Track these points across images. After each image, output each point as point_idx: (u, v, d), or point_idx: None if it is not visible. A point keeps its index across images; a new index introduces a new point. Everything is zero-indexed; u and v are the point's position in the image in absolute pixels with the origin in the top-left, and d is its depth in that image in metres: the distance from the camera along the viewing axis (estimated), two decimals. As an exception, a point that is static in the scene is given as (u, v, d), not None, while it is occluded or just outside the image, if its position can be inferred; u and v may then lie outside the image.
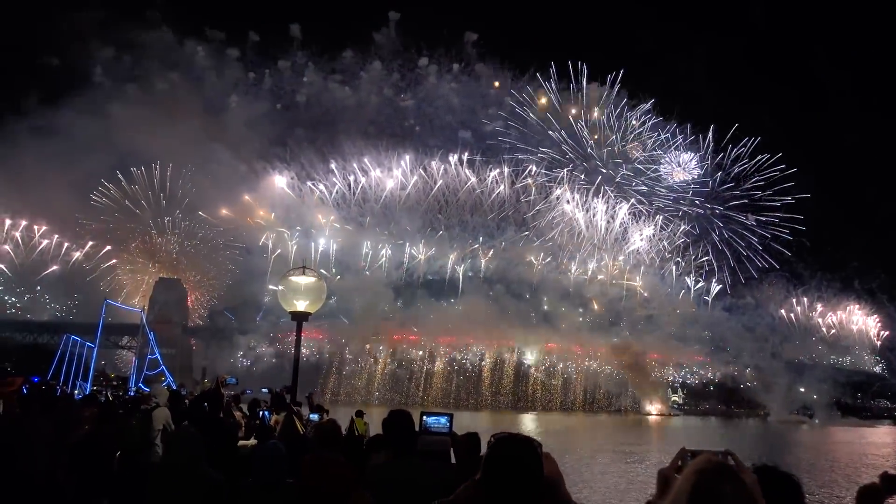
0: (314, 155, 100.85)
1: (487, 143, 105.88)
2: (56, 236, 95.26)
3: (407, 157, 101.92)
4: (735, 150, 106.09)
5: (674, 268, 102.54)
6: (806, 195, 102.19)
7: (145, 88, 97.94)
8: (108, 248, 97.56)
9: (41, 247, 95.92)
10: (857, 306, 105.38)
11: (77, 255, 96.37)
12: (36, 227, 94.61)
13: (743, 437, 59.78)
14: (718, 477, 2.23)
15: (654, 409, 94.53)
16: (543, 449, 3.02)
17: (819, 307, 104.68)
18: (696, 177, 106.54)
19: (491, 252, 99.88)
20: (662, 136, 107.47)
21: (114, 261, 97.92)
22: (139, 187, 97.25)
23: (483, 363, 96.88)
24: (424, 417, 5.35)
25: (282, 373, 73.73)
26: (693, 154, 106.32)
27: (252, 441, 9.40)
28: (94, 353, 63.20)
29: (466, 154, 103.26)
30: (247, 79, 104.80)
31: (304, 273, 12.36)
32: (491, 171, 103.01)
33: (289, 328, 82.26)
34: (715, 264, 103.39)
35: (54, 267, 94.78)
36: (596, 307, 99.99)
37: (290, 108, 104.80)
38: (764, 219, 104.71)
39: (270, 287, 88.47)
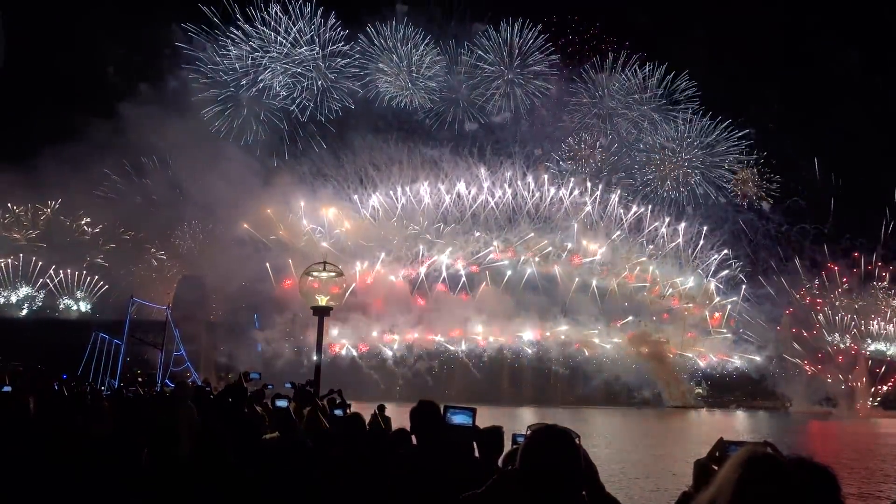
0: (325, 150, 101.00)
1: (498, 135, 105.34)
2: (76, 234, 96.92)
3: (418, 152, 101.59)
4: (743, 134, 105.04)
5: (690, 257, 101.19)
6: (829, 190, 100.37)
7: (157, 87, 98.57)
8: (130, 245, 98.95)
9: (64, 244, 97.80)
10: (880, 293, 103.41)
11: (99, 252, 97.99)
12: (56, 219, 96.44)
13: (778, 430, 59.07)
14: (765, 468, 2.22)
15: (677, 401, 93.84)
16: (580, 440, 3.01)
17: (840, 294, 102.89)
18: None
19: (505, 245, 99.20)
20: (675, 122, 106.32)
21: (136, 258, 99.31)
22: (154, 185, 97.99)
23: (501, 357, 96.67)
24: (448, 412, 5.34)
25: (300, 368, 74.25)
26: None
27: (275, 434, 9.48)
28: (122, 350, 64.33)
29: (476, 147, 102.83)
30: (257, 74, 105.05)
31: (324, 269, 12.46)
32: (502, 163, 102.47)
33: (304, 324, 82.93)
34: (731, 254, 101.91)
35: (88, 260, 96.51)
36: (613, 299, 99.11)
37: (300, 103, 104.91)
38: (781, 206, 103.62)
39: (283, 282, 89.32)
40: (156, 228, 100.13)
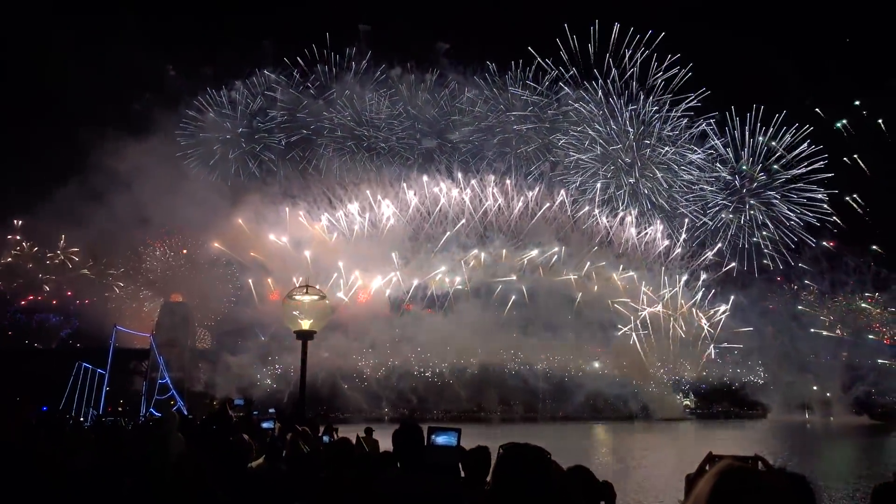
0: (292, 171, 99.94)
1: (465, 151, 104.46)
2: (48, 263, 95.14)
3: (386, 170, 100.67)
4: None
5: (663, 268, 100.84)
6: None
7: (119, 109, 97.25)
8: (109, 268, 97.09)
9: (39, 275, 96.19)
10: (860, 301, 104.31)
11: (75, 275, 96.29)
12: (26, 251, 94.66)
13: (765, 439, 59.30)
14: (740, 481, 2.23)
15: (664, 413, 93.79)
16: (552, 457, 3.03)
17: (819, 303, 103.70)
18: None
19: (481, 261, 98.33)
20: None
21: (113, 283, 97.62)
22: (121, 209, 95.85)
23: (486, 375, 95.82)
24: (432, 435, 5.31)
25: (276, 393, 73.15)
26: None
27: (261, 461, 9.37)
28: (106, 379, 63.34)
29: (444, 164, 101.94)
30: (221, 96, 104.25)
31: (307, 292, 12.37)
32: (470, 179, 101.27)
33: (281, 348, 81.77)
34: (707, 264, 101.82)
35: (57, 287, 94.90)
36: (595, 311, 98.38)
37: (265, 124, 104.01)
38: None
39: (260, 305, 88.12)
40: (124, 253, 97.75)
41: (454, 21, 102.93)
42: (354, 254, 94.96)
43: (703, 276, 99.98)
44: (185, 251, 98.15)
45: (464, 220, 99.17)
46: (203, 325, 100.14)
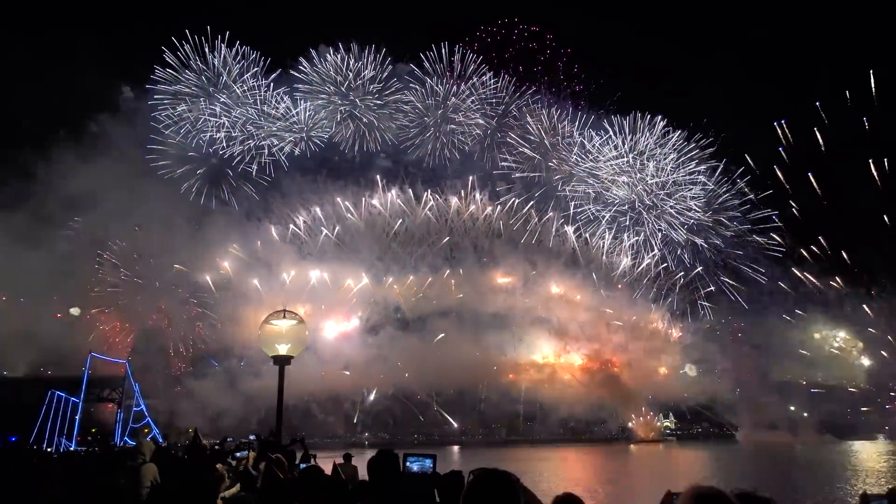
0: (254, 189, 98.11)
1: (431, 169, 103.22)
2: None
3: (349, 189, 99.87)
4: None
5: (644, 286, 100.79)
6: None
7: (75, 132, 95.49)
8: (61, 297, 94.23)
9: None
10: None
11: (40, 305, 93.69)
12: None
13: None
14: (714, 501, 2.31)
15: (643, 434, 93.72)
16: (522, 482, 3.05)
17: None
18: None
19: (450, 281, 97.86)
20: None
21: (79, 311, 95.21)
22: (83, 235, 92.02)
23: (462, 396, 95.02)
24: (408, 461, 5.28)
25: (245, 419, 71.66)
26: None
27: (235, 489, 9.23)
28: (80, 408, 61.81)
29: (407, 182, 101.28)
30: (179, 116, 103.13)
31: (284, 316, 12.26)
32: (436, 197, 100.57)
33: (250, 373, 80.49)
34: (676, 286, 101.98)
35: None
36: (568, 331, 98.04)
37: (225, 142, 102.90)
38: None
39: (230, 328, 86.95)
40: (93, 279, 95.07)
41: (415, 42, 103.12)
42: (324, 271, 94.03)
43: (676, 294, 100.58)
44: (157, 283, 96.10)
45: (430, 241, 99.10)
46: (172, 351, 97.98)
